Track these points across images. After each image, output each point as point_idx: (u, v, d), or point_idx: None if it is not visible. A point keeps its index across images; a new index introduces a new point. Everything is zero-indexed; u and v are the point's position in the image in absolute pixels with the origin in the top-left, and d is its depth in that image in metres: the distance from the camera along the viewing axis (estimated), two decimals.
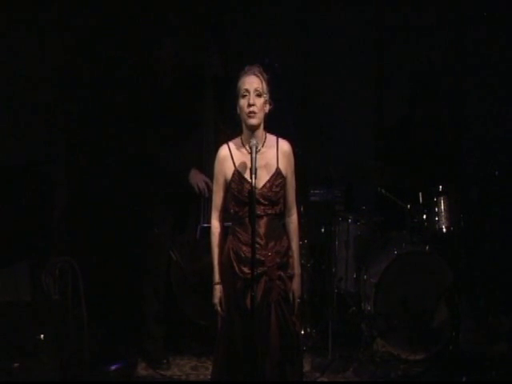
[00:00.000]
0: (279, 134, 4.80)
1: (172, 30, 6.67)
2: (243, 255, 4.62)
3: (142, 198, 6.53)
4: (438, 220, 6.45)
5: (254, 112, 4.58)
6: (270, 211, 4.63)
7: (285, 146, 4.71)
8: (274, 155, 4.67)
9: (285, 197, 4.72)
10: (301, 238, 6.46)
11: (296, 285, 4.72)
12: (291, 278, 4.70)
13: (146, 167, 6.42)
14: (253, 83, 4.58)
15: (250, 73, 4.61)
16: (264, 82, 4.61)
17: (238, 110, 4.63)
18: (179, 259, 6.30)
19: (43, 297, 5.89)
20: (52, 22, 6.92)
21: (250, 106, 4.57)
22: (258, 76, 4.60)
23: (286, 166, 4.69)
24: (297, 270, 4.74)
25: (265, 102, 4.61)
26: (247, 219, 4.62)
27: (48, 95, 6.92)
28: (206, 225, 6.06)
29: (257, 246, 4.55)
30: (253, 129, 4.61)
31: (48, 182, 6.66)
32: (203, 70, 6.33)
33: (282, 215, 4.72)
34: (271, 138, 4.70)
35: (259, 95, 4.58)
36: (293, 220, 4.78)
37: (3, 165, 6.46)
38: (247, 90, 4.57)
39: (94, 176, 7.04)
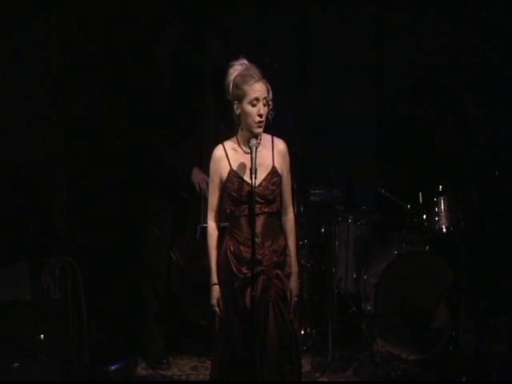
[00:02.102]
0: (279, 134, 4.81)
1: (172, 30, 6.67)
2: (241, 255, 4.63)
3: (142, 197, 6.53)
4: (438, 220, 6.45)
5: (262, 122, 4.60)
6: (266, 209, 4.64)
7: (280, 144, 4.73)
8: (269, 154, 4.68)
9: (281, 196, 4.73)
10: (301, 238, 6.52)
11: (293, 283, 4.73)
12: (289, 276, 4.71)
13: (147, 167, 6.42)
14: (263, 92, 4.58)
15: (257, 78, 4.57)
16: (270, 91, 4.62)
17: (239, 112, 4.62)
18: (179, 259, 6.30)
19: (43, 297, 5.88)
20: (52, 22, 6.91)
21: (260, 116, 4.58)
22: (265, 84, 4.60)
23: (281, 164, 4.70)
24: (294, 268, 4.75)
25: (269, 110, 4.62)
26: (244, 218, 4.63)
27: (48, 95, 6.91)
28: (205, 225, 6.03)
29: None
30: (255, 134, 4.63)
31: (48, 182, 6.66)
32: (203, 71, 6.33)
33: (278, 214, 4.73)
34: (266, 137, 4.71)
35: (265, 104, 4.60)
36: (289, 218, 4.79)
37: (3, 165, 6.47)
38: (257, 99, 4.57)
39: (93, 176, 7.03)
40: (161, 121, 6.31)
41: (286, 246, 4.73)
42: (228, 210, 4.69)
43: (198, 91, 6.31)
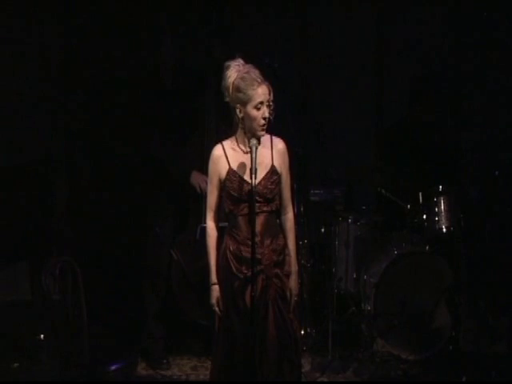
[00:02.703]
0: (279, 133, 4.81)
1: (172, 31, 6.67)
2: (240, 254, 4.62)
3: (143, 197, 6.54)
4: (438, 220, 6.45)
5: (266, 124, 4.59)
6: (265, 208, 4.63)
7: (279, 144, 4.72)
8: (268, 153, 4.67)
9: (280, 195, 4.73)
10: (301, 238, 6.52)
11: (293, 283, 4.72)
12: (288, 275, 4.70)
13: (147, 167, 6.42)
14: (266, 95, 4.56)
15: (260, 81, 4.54)
16: (271, 92, 4.60)
17: (242, 115, 4.59)
18: (180, 258, 6.29)
19: (43, 297, 5.89)
20: (53, 22, 6.92)
21: (264, 119, 4.57)
22: (267, 86, 4.58)
23: (280, 163, 4.69)
24: (294, 267, 4.75)
25: (270, 111, 4.62)
26: (243, 218, 4.63)
27: (48, 95, 6.91)
28: (205, 225, 6.06)
29: None
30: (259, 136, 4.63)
31: (48, 182, 6.66)
32: (204, 70, 6.33)
33: (277, 213, 4.73)
34: (265, 137, 4.68)
35: (268, 106, 4.58)
36: (289, 218, 4.79)
37: (3, 165, 6.47)
38: (262, 103, 4.55)
39: (94, 176, 7.04)
40: (161, 121, 6.30)
41: (285, 245, 4.73)
42: (227, 210, 4.69)
43: (199, 91, 6.30)
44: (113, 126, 7.01)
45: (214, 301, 4.67)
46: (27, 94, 6.76)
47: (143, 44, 6.92)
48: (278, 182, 4.68)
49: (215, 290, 4.68)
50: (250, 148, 4.58)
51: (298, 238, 6.48)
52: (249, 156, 4.60)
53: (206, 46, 6.36)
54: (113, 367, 6.08)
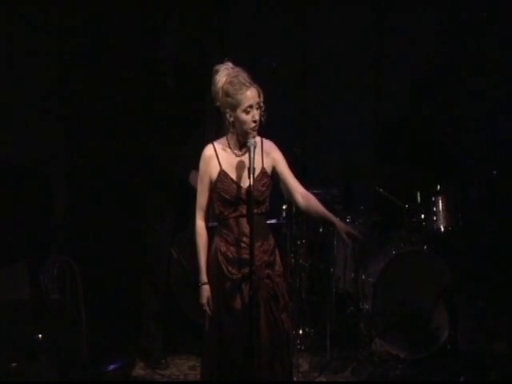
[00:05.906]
0: (279, 134, 4.81)
1: (173, 30, 6.68)
2: (231, 255, 4.61)
3: (143, 197, 6.54)
4: (437, 220, 6.46)
5: (257, 126, 4.58)
6: (256, 211, 4.58)
7: (268, 144, 4.70)
8: (258, 156, 4.64)
9: (288, 184, 4.67)
10: (299, 238, 6.53)
11: (342, 224, 4.68)
12: (280, 275, 4.68)
13: (147, 167, 6.43)
14: (255, 97, 4.54)
15: (249, 85, 4.53)
16: (261, 93, 4.59)
17: (232, 120, 4.57)
18: (180, 257, 6.30)
19: (42, 296, 5.90)
20: (52, 21, 6.93)
21: (254, 122, 4.56)
22: (256, 88, 4.56)
23: (271, 163, 4.66)
24: (334, 217, 4.67)
25: (262, 112, 4.60)
26: (233, 219, 4.61)
27: (48, 95, 6.92)
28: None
29: (244, 245, 4.56)
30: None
31: (48, 181, 6.68)
32: (204, 70, 6.33)
33: (267, 214, 4.70)
34: (256, 139, 4.65)
35: (257, 108, 4.57)
36: (311, 198, 4.69)
37: (3, 165, 6.49)
38: (251, 106, 4.54)
39: (94, 176, 7.05)
40: (161, 120, 6.31)
41: (275, 245, 4.69)
42: (217, 211, 4.67)
43: (199, 90, 6.31)
44: (113, 125, 7.02)
45: (204, 300, 4.66)
46: (27, 94, 6.77)
47: (143, 44, 6.92)
48: (269, 185, 4.65)
49: (205, 290, 4.67)
50: (248, 148, 4.56)
51: (296, 237, 6.52)
52: (240, 159, 4.61)
53: (206, 46, 6.37)
54: (111, 367, 6.08)
